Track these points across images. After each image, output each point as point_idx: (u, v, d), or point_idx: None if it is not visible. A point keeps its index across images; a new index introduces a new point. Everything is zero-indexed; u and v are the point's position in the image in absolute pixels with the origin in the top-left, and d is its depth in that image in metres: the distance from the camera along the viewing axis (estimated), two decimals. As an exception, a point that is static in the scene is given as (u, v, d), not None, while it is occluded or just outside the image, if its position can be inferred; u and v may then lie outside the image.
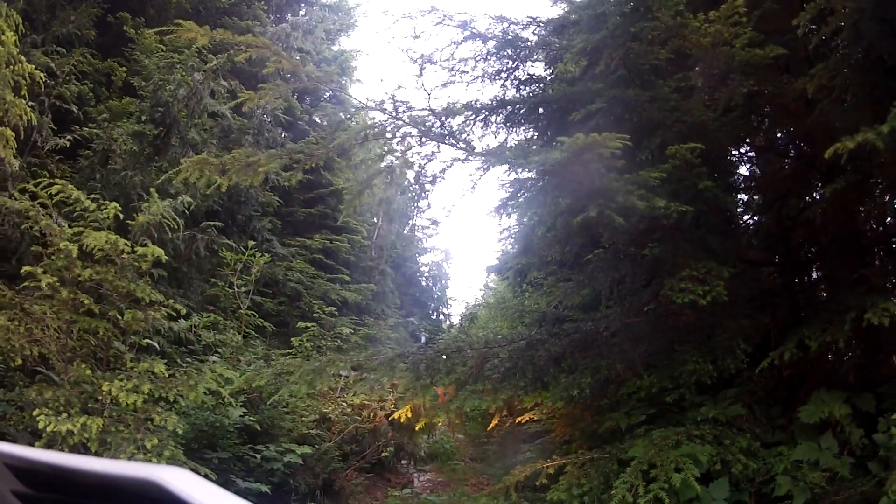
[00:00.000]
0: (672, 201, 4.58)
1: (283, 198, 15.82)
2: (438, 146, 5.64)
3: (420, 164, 5.73)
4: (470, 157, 5.43)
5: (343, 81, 18.15)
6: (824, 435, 4.86)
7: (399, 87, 5.84)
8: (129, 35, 11.67)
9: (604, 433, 6.52)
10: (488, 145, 6.45)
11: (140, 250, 6.12)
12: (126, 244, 6.01)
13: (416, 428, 9.28)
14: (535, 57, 7.07)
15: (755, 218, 7.34)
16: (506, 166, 5.65)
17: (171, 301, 6.73)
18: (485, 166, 5.54)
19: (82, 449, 5.32)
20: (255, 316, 11.23)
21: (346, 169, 17.60)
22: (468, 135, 6.19)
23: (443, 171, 5.74)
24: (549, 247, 7.32)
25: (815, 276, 6.62)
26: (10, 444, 1.11)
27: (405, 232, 28.46)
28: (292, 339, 11.10)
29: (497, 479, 7.82)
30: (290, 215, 16.95)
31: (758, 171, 7.28)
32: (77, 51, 10.03)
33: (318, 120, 19.10)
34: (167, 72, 10.19)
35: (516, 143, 6.74)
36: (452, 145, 5.44)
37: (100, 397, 5.76)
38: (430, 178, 5.78)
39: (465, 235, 63.99)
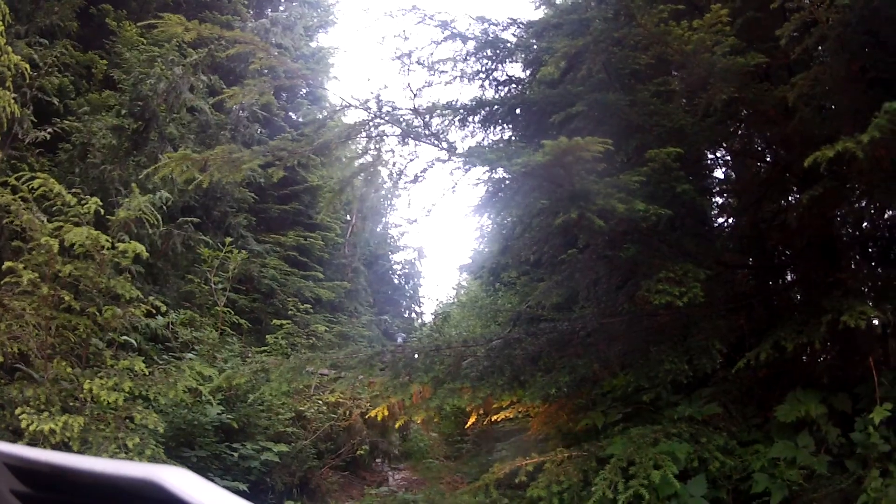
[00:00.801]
0: (650, 204, 4.65)
1: (258, 194, 15.70)
2: (419, 145, 5.66)
3: (401, 164, 5.75)
4: (452, 158, 5.44)
5: (321, 78, 18.12)
6: (801, 434, 4.94)
7: (385, 86, 5.86)
8: (111, 27, 11.57)
9: (580, 432, 6.59)
10: (469, 146, 6.48)
11: (121, 246, 6.08)
12: (107, 240, 5.97)
13: (396, 426, 9.29)
14: (515, 58, 7.09)
15: (730, 221, 7.45)
16: (485, 167, 5.67)
17: (151, 298, 6.70)
18: (465, 167, 5.57)
19: (64, 448, 5.27)
20: (230, 313, 11.18)
21: (320, 166, 17.55)
22: (447, 135, 6.23)
23: (424, 170, 5.76)
24: (525, 247, 7.36)
25: (789, 278, 6.72)
26: (9, 444, 1.11)
27: (378, 230, 28.42)
28: (267, 336, 11.10)
29: (472, 477, 7.88)
30: (264, 212, 16.84)
31: (733, 174, 7.39)
32: (60, 42, 9.91)
33: (294, 116, 19.02)
34: (148, 65, 10.10)
35: (492, 143, 6.76)
36: (435, 145, 5.46)
37: (80, 395, 5.71)
38: (412, 179, 5.79)
39: (438, 234, 63.75)
